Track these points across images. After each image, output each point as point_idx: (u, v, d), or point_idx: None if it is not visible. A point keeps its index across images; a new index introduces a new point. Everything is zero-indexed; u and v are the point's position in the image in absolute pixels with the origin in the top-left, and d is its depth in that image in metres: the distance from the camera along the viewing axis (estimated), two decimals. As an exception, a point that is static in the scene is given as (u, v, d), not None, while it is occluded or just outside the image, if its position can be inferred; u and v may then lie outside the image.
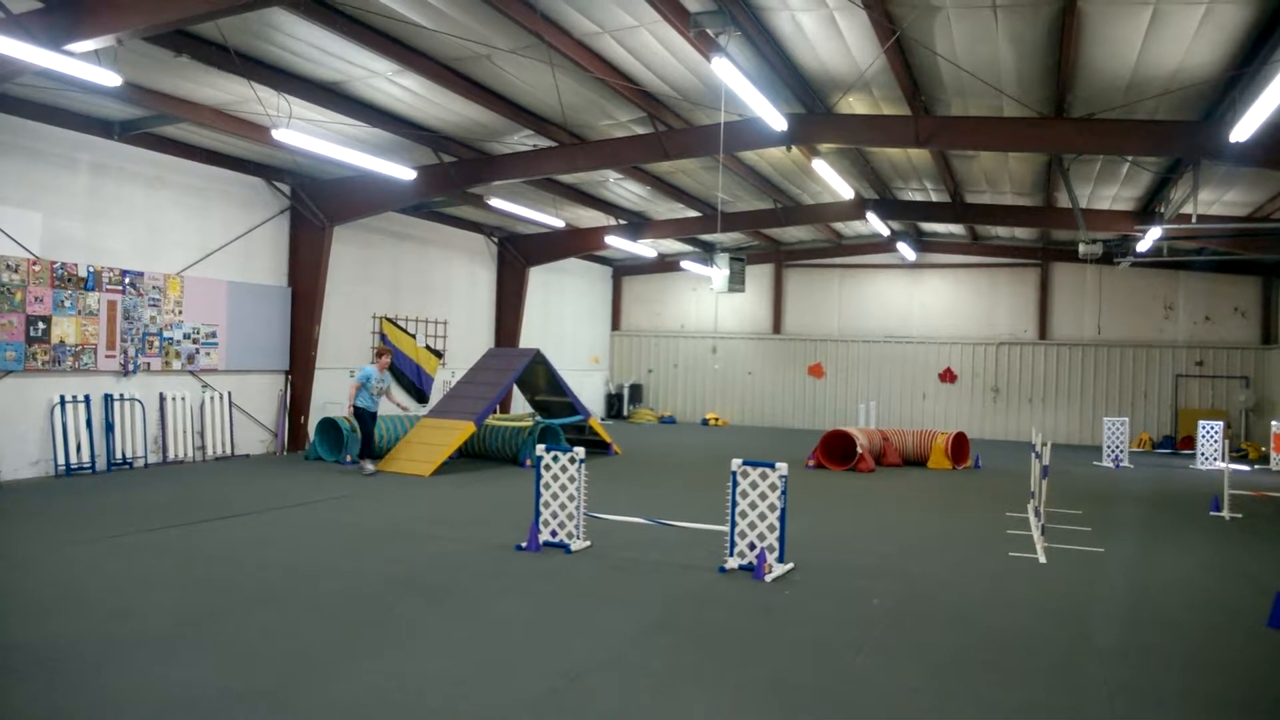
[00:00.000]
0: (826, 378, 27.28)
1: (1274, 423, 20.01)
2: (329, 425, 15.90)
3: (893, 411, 25.97)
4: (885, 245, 24.95)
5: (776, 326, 28.00)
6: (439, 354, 21.20)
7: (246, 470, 14.56)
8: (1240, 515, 12.40)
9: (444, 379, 20.88)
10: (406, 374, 20.16)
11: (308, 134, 12.99)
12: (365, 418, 14.30)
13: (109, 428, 13.88)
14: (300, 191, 16.95)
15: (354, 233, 18.50)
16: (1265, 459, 20.21)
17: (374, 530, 9.91)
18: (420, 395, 20.45)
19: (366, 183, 16.44)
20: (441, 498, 12.31)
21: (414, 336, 20.47)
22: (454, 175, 16.13)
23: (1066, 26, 9.83)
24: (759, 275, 27.61)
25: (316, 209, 16.89)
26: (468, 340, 22.17)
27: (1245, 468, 19.30)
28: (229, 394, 15.93)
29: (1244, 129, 10.17)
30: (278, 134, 12.58)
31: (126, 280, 14.17)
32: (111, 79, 10.14)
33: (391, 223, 19.72)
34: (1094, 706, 5.31)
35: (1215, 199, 16.75)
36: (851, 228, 24.67)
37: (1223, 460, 17.56)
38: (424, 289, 20.99)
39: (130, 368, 14.26)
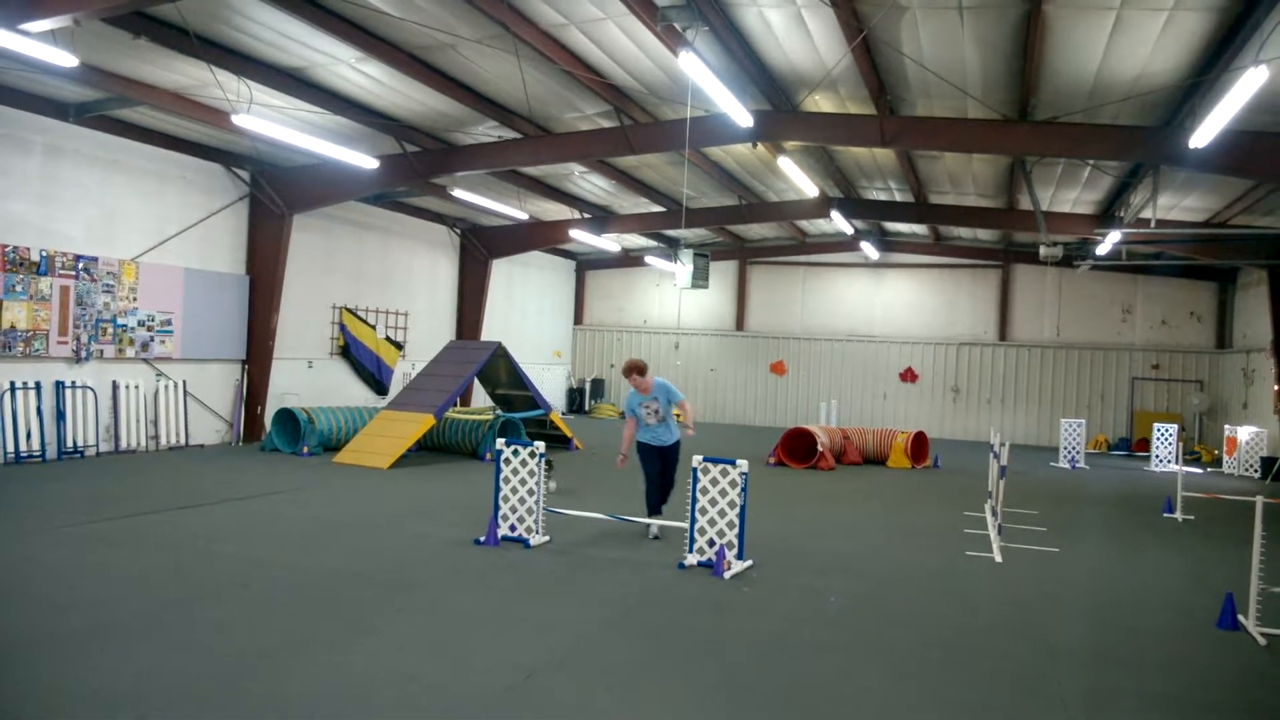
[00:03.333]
0: (789, 375, 27.37)
1: (1227, 426, 20.38)
2: (286, 416, 15.65)
3: (854, 410, 26.10)
4: (849, 244, 25.05)
5: (740, 324, 28.04)
6: (399, 346, 20.98)
7: (201, 461, 14.29)
8: (1192, 517, 12.58)
9: (404, 371, 20.66)
10: (366, 365, 19.92)
11: (268, 120, 12.76)
12: (645, 457, 9.75)
13: (60, 415, 13.55)
14: (260, 178, 16.66)
15: (315, 221, 18.23)
16: (1218, 462, 20.58)
17: (330, 523, 9.75)
18: (379, 387, 20.22)
19: (328, 171, 16.20)
20: (399, 491, 12.15)
21: (374, 328, 20.24)
22: (417, 165, 15.95)
23: (1031, 30, 9.89)
24: (723, 272, 27.61)
25: (276, 196, 16.61)
26: (429, 332, 21.96)
27: (1198, 470, 19.63)
28: (184, 383, 15.63)
29: (1202, 135, 10.30)
30: (238, 119, 12.35)
31: (80, 265, 13.84)
32: (68, 60, 9.90)
33: (353, 212, 19.46)
34: (1051, 707, 5.33)
35: (1174, 204, 16.98)
36: (816, 226, 24.75)
37: (1176, 463, 17.86)
38: (385, 280, 20.75)
39: (83, 355, 13.93)
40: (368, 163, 14.52)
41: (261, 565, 7.80)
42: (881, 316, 26.77)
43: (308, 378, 18.46)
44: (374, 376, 20.14)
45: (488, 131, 15.33)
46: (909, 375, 26.35)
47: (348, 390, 19.50)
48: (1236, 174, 12.56)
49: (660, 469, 9.67)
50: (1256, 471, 18.65)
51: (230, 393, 16.72)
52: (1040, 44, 10.20)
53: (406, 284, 21.48)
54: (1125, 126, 12.42)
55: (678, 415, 9.90)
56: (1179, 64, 10.43)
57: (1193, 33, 9.59)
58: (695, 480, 8.24)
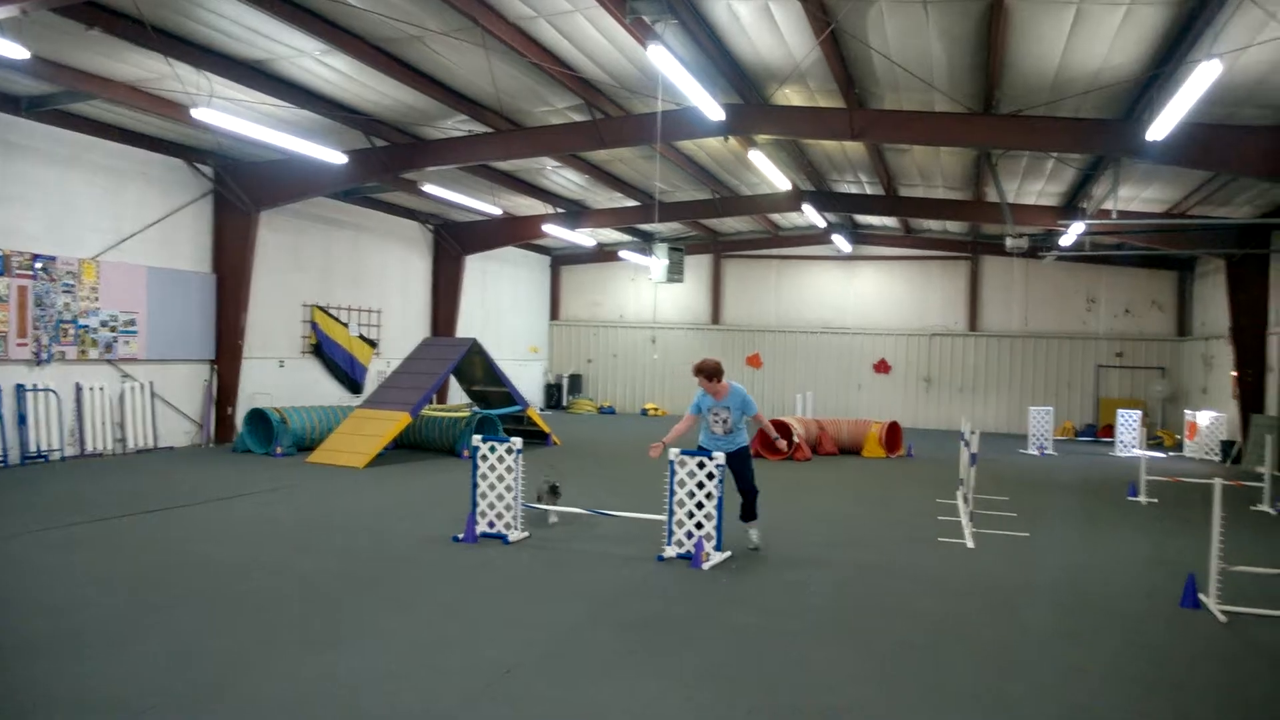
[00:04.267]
0: (764, 368, 27.53)
1: (1187, 411, 20.76)
2: (258, 416, 15.57)
3: (829, 401, 26.30)
4: (821, 237, 25.22)
5: (715, 317, 28.16)
6: (373, 343, 20.91)
7: (171, 463, 14.19)
8: (1156, 500, 12.85)
9: (379, 369, 20.59)
10: (339, 363, 19.84)
11: (230, 114, 12.65)
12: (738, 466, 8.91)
13: (21, 420, 13.39)
14: (224, 174, 16.50)
15: (283, 218, 18.12)
16: (1180, 446, 20.95)
17: (306, 524, 9.74)
18: (354, 385, 20.14)
19: (295, 166, 16.06)
20: (376, 490, 12.15)
21: (347, 325, 20.15)
22: (387, 160, 15.89)
23: (994, 23, 10.02)
24: (697, 266, 27.73)
25: (242, 193, 16.46)
26: (403, 329, 21.89)
27: (1161, 455, 20.00)
28: (150, 384, 15.49)
29: (1160, 128, 10.51)
30: (197, 113, 12.25)
31: (38, 265, 13.65)
32: (18, 52, 9.75)
33: (322, 208, 19.36)
34: (1028, 687, 5.46)
35: (1135, 195, 17.26)
36: (788, 219, 24.90)
37: (1140, 448, 18.19)
38: (357, 277, 20.66)
39: (44, 357, 13.77)
40: (336, 158, 14.45)
41: (238, 567, 7.79)
42: (854, 308, 26.99)
43: (279, 377, 18.35)
44: (347, 375, 20.06)
45: (458, 126, 15.30)
46: (882, 366, 26.59)
47: (321, 389, 19.42)
48: (1193, 166, 12.81)
49: (735, 475, 8.76)
50: (1217, 455, 19.03)
51: (199, 393, 16.60)
52: (1003, 37, 10.35)
53: (379, 281, 21.40)
54: (1086, 119, 12.61)
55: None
56: (1137, 57, 10.61)
57: (1150, 26, 9.77)
58: (673, 473, 8.32)
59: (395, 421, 14.67)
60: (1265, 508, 12.37)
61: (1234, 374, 18.68)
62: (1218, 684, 5.64)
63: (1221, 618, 6.95)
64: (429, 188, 18.19)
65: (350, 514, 10.35)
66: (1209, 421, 19.50)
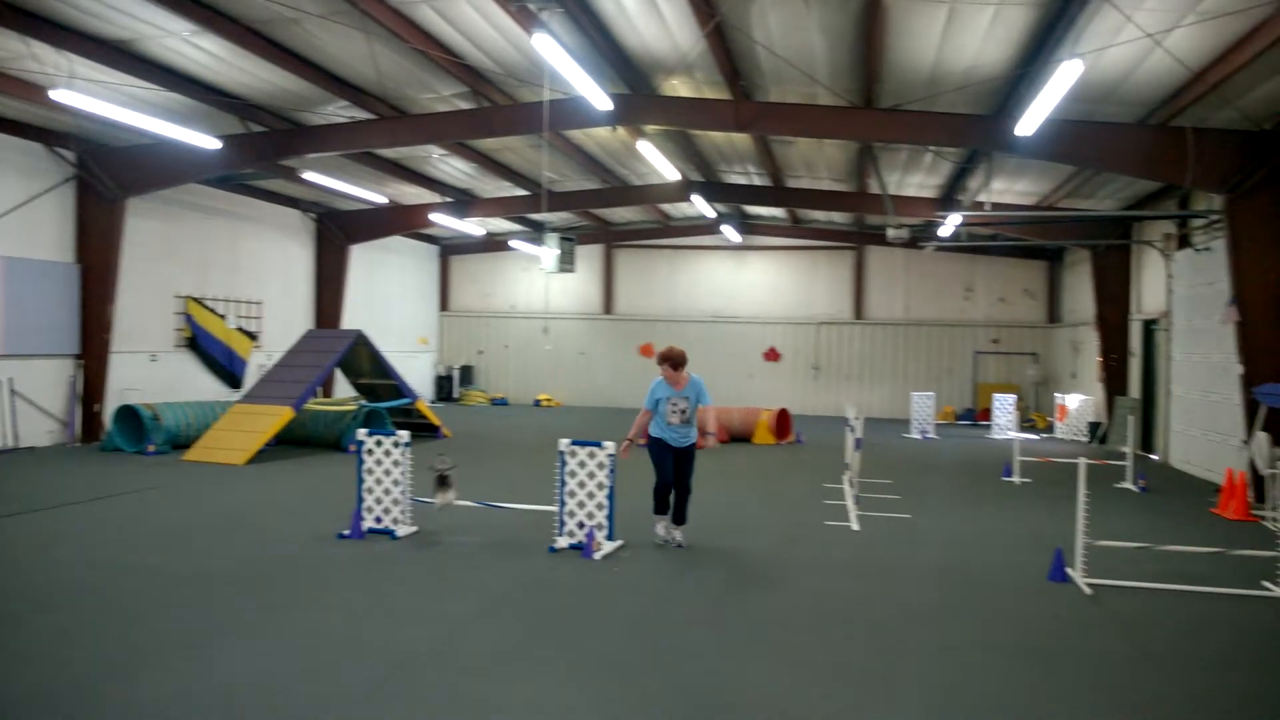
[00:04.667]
0: (657, 357, 27.61)
1: (1058, 395, 21.81)
2: (128, 413, 14.86)
3: (720, 390, 26.40)
4: (711, 227, 25.50)
5: (608, 307, 28.20)
6: (253, 336, 20.19)
7: (33, 463, 13.44)
8: (1029, 480, 13.47)
9: (259, 362, 19.91)
10: (216, 357, 19.10)
11: (93, 96, 12.01)
12: (660, 453, 8.78)
13: None
14: (88, 160, 15.63)
15: (153, 205, 17.31)
16: (1051, 428, 21.99)
17: (183, 524, 9.36)
18: (233, 380, 19.43)
19: (165, 151, 15.32)
20: (257, 487, 11.75)
21: (224, 318, 19.40)
22: (264, 146, 15.35)
23: (872, 20, 10.28)
24: (590, 256, 27.68)
25: (107, 179, 15.63)
26: (285, 322, 21.19)
27: (1034, 436, 20.96)
28: (9, 380, 14.62)
29: (1028, 124, 10.96)
30: (55, 94, 11.60)
31: (-114, 256, 12.74)
32: None
33: (197, 195, 18.58)
34: (905, 661, 5.65)
35: (1007, 188, 18.01)
36: (679, 209, 25.09)
37: (1014, 430, 19.03)
38: (235, 267, 19.91)
39: (-106, 353, 12.86)
40: (209, 143, 13.86)
41: (107, 570, 7.44)
42: (745, 298, 27.40)
43: (152, 372, 17.56)
44: (225, 369, 19.33)
45: (339, 112, 14.88)
46: (772, 354, 27.08)
47: (197, 384, 18.67)
48: (1059, 160, 13.39)
49: (676, 471, 8.68)
50: (1085, 435, 20.06)
51: (63, 390, 15.74)
52: (881, 33, 10.63)
53: (258, 271, 20.67)
54: (961, 114, 13.06)
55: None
56: (1006, 56, 11.05)
57: (1017, 26, 10.17)
58: (563, 463, 8.31)
59: (277, 417, 14.21)
60: (1128, 485, 13.09)
61: (1099, 358, 19.69)
62: (1082, 652, 5.95)
63: (1087, 590, 7.33)
64: (310, 175, 17.65)
65: (230, 513, 9.99)
66: (1077, 404, 20.53)
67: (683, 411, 8.59)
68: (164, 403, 15.35)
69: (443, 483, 9.05)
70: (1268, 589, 7.44)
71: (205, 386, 18.82)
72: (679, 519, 8.82)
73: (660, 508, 8.81)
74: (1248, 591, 7.41)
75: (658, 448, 8.71)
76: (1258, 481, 11.68)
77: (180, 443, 14.82)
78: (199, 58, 12.47)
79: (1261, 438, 11.34)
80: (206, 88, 13.58)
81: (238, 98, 14.09)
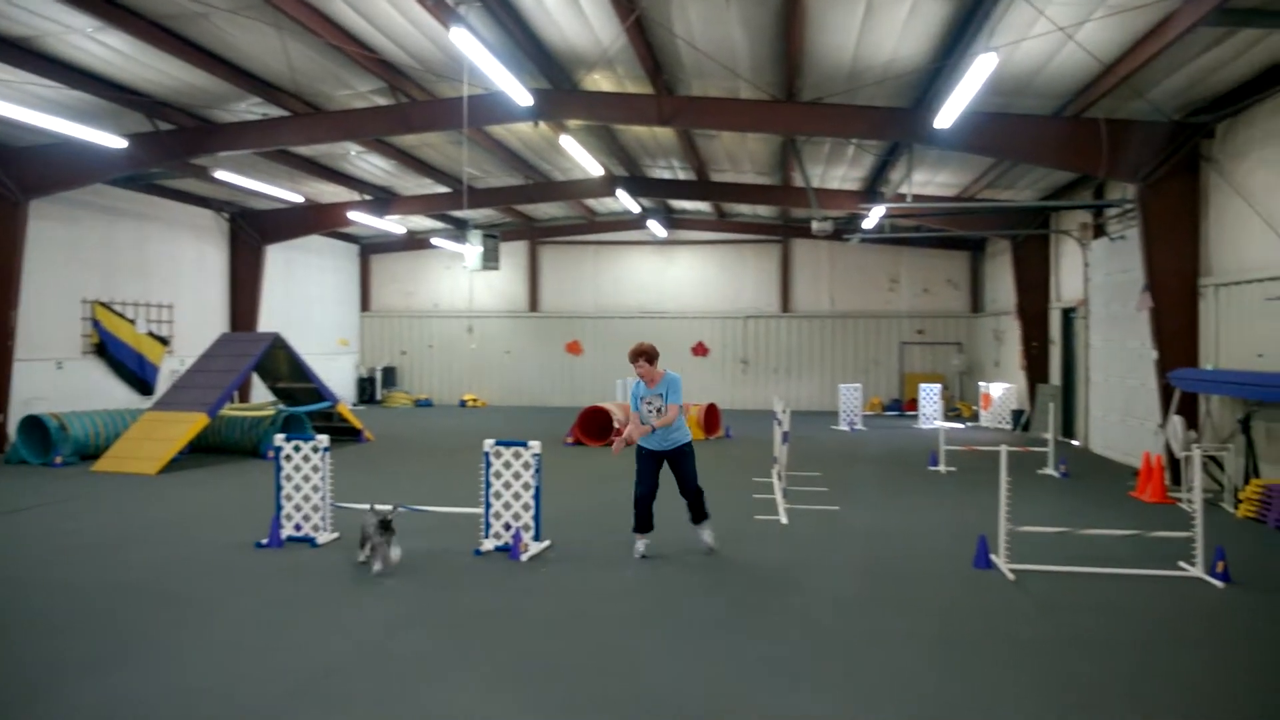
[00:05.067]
0: (584, 355, 27.55)
1: (982, 383, 22.25)
2: (33, 424, 14.20)
3: (647, 385, 26.55)
4: (637, 222, 25.42)
5: (533, 304, 27.95)
6: (164, 341, 19.50)
7: (-69, 479, 12.76)
8: (954, 469, 13.68)
9: (172, 368, 19.23)
10: (126, 363, 18.40)
11: (-9, 95, 11.45)
12: (640, 461, 8.34)
13: None
14: (-11, 161, 14.93)
15: (57, 207, 16.57)
16: (976, 417, 22.43)
17: (93, 537, 8.94)
18: (144, 386, 18.74)
19: (68, 151, 14.65)
20: (171, 497, 11.31)
21: (133, 322, 18.70)
22: (172, 145, 14.79)
23: (791, 14, 10.28)
24: (514, 253, 27.41)
25: (9, 180, 14.88)
26: (198, 325, 20.50)
27: (960, 425, 21.36)
28: (-94, 393, 13.88)
29: (946, 117, 11.10)
30: (-48, 94, 11.02)
31: None
32: None
33: (103, 196, 17.86)
34: (832, 652, 5.63)
35: (929, 180, 18.28)
36: (604, 205, 24.96)
37: (940, 420, 19.35)
38: (144, 270, 19.20)
39: None
40: (114, 142, 13.28)
41: (13, 587, 7.07)
42: (672, 293, 27.40)
43: (58, 380, 16.84)
44: (136, 375, 18.64)
45: (251, 109, 14.41)
46: (700, 349, 27.13)
47: (107, 392, 17.96)
48: (977, 152, 13.61)
49: (676, 476, 8.19)
50: (1008, 423, 20.49)
51: (-34, 401, 14.99)
52: (801, 27, 10.64)
53: (169, 274, 19.96)
54: (881, 108, 13.18)
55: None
56: (924, 49, 11.16)
57: (933, 20, 10.26)
58: (488, 464, 8.14)
59: (191, 423, 13.72)
60: (1050, 471, 13.38)
61: (1021, 347, 20.13)
62: (1004, 636, 6.00)
63: (1010, 575, 7.42)
64: (222, 174, 17.09)
65: (142, 524, 9.59)
66: (1001, 392, 20.97)
67: (659, 410, 8.10)
68: (71, 412, 14.70)
69: (386, 528, 7.44)
70: (1183, 568, 7.63)
71: (115, 394, 18.12)
72: (699, 516, 8.33)
73: (639, 524, 8.20)
74: (1164, 572, 7.59)
75: (639, 454, 8.25)
76: (1174, 464, 12.04)
77: (89, 453, 14.23)
78: (103, 54, 11.95)
79: (1176, 421, 11.67)
80: (112, 85, 13.02)
81: (145, 95, 13.55)
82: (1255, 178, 10.96)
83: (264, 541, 8.46)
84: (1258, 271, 10.81)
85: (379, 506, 7.80)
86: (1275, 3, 8.67)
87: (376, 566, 7.30)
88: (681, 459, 8.16)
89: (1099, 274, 16.09)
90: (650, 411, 8.13)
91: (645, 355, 8.14)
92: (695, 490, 8.22)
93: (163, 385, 18.46)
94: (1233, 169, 11.43)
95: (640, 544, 8.21)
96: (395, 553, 7.40)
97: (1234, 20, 8.88)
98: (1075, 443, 17.38)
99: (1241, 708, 4.93)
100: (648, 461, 8.19)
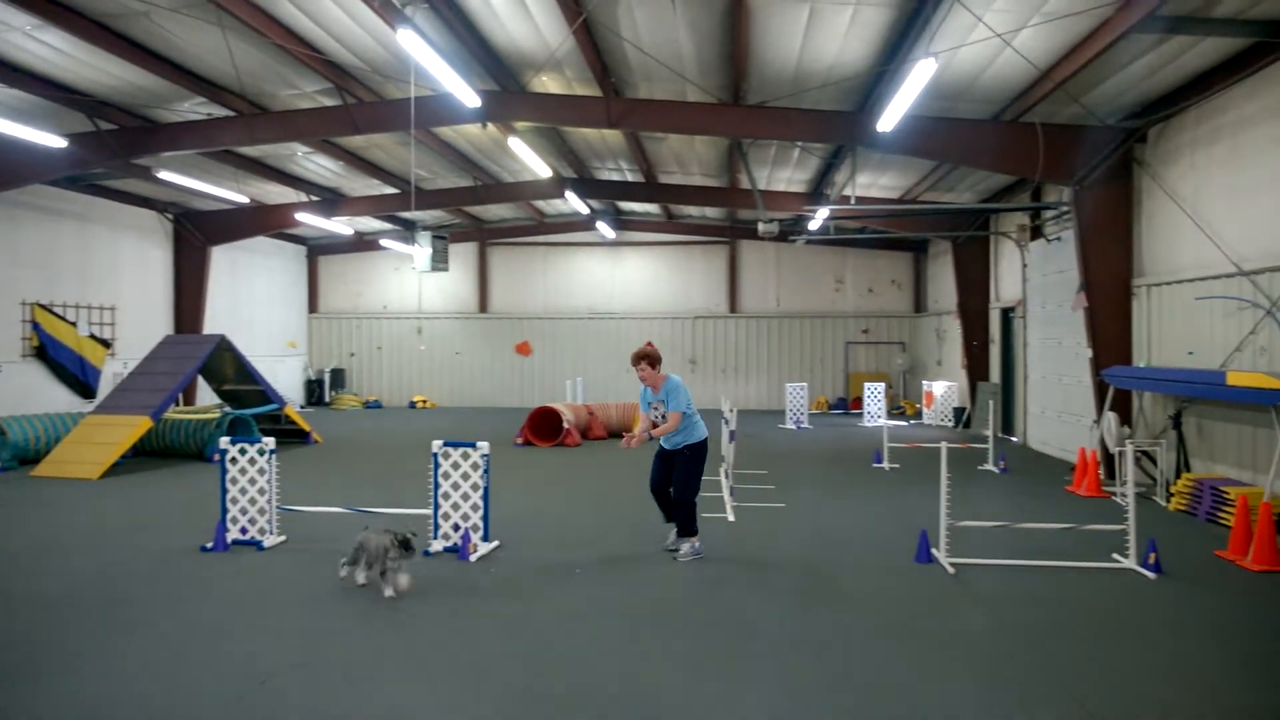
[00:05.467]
0: (534, 355, 27.54)
1: (925, 382, 22.66)
2: (-30, 429, 13.89)
3: (599, 386, 26.64)
4: (586, 224, 25.49)
5: (483, 305, 27.86)
6: (106, 343, 19.13)
7: None
8: (898, 465, 13.95)
9: (114, 371, 18.88)
10: (67, 366, 18.02)
11: (-76, 93, 11.17)
12: (655, 456, 8.52)
13: None
14: (-81, 160, 14.54)
15: (-6, 209, 16.23)
16: (920, 415, 22.83)
17: (29, 543, 8.78)
18: (86, 389, 18.37)
19: (6, 151, 14.26)
20: (113, 502, 11.14)
21: (75, 325, 18.32)
22: (114, 145, 14.54)
23: (737, 18, 10.43)
24: (463, 254, 27.32)
25: (-57, 181, 14.59)
26: (142, 327, 20.14)
27: (904, 423, 21.72)
28: None
29: (888, 120, 11.33)
30: (-117, 92, 10.73)
31: None
32: None
33: (41, 197, 17.48)
34: (770, 649, 5.75)
35: (872, 182, 18.59)
36: (553, 206, 24.97)
37: (884, 418, 19.67)
38: (85, 272, 18.82)
39: None
40: (54, 142, 13.04)
41: (-58, 597, 6.92)
42: (621, 294, 27.50)
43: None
44: (78, 379, 18.26)
45: (195, 108, 14.23)
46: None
47: (47, 396, 17.58)
48: (918, 155, 13.88)
49: (664, 471, 8.31)
50: (950, 421, 20.91)
51: (-103, 406, 14.60)
52: (746, 31, 10.80)
53: (111, 275, 19.59)
54: (826, 111, 13.40)
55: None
56: (866, 54, 11.38)
57: (875, 25, 10.48)
58: (436, 465, 8.16)
59: (134, 427, 13.51)
60: (990, 466, 13.70)
61: (963, 346, 20.53)
62: (943, 629, 6.18)
63: (950, 570, 7.62)
64: (165, 174, 16.83)
65: (84, 530, 9.44)
66: (943, 390, 21.38)
67: (664, 417, 8.20)
68: (10, 416, 14.39)
69: (406, 548, 6.92)
70: (1117, 560, 7.89)
71: (56, 398, 17.74)
72: (678, 527, 8.27)
73: (664, 514, 8.44)
74: (1098, 564, 7.85)
75: (658, 447, 8.39)
76: (1108, 460, 12.41)
77: (29, 458, 13.94)
78: (42, 53, 11.75)
79: (1110, 417, 12.03)
80: (51, 84, 12.79)
81: (86, 94, 13.33)
82: (1186, 181, 11.35)
83: (209, 545, 8.38)
84: (1188, 272, 11.20)
85: (388, 530, 7.10)
86: (1204, 10, 9.01)
87: (388, 591, 6.82)
88: (680, 461, 8.16)
89: (1036, 274, 16.50)
90: (657, 416, 8.26)
91: (646, 359, 8.23)
92: (681, 500, 8.16)
93: (105, 388, 18.13)
94: (1164, 173, 11.82)
95: (670, 535, 8.42)
96: (405, 580, 6.92)
97: (1165, 27, 9.21)
98: (1014, 439, 17.80)
99: (1168, 693, 5.14)
100: (658, 456, 8.39)
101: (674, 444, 8.23)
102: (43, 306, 17.56)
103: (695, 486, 8.20)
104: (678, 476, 8.19)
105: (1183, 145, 11.43)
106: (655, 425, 8.24)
